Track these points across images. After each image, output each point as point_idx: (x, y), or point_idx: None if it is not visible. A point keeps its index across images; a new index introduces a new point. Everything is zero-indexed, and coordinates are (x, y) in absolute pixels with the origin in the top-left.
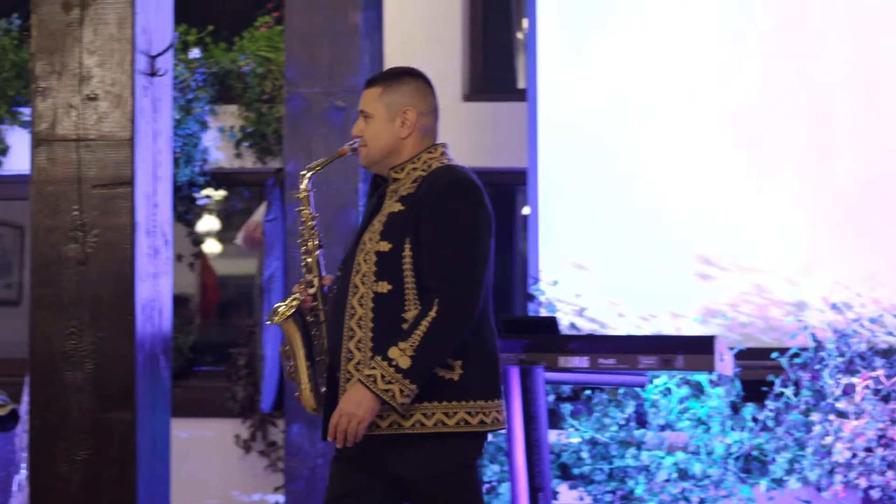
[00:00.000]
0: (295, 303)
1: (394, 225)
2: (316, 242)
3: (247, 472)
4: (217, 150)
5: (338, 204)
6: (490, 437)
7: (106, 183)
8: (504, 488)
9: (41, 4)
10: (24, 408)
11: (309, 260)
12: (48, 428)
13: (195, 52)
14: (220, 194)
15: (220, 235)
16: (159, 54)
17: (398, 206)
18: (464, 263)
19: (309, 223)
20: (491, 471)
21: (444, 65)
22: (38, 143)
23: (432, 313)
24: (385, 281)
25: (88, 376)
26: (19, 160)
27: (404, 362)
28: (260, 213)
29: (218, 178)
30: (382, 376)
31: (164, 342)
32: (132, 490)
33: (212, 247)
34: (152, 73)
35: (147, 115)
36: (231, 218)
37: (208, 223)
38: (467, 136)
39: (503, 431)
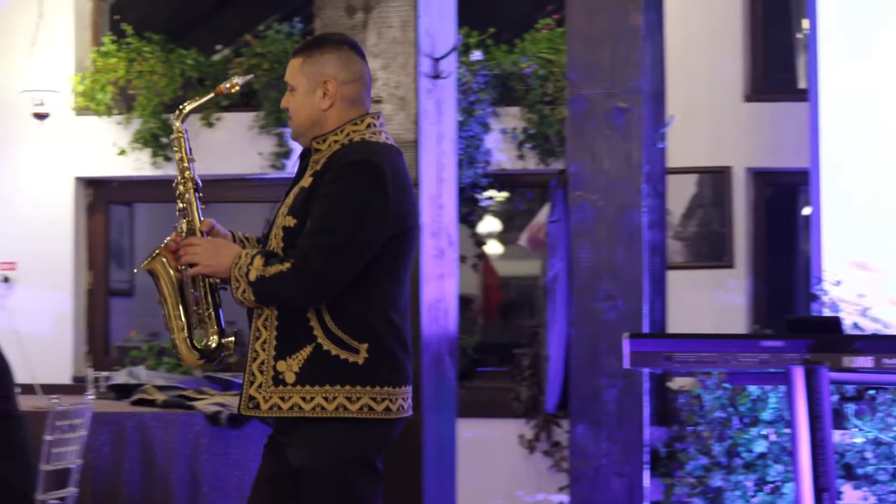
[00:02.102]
0: (158, 249)
1: (301, 200)
2: (189, 185)
3: (531, 472)
4: (500, 151)
5: (620, 204)
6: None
7: None
8: (788, 488)
9: (325, 8)
10: None
11: (181, 205)
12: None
13: (477, 55)
14: (502, 196)
15: (502, 237)
16: (442, 57)
17: (308, 181)
18: (330, 242)
19: (183, 166)
20: (775, 470)
21: (725, 65)
22: None
23: (285, 267)
24: None
25: None
26: None
27: (252, 276)
28: (543, 215)
29: (500, 179)
30: (240, 267)
31: (449, 343)
32: (419, 489)
33: (494, 248)
34: (436, 76)
35: (431, 117)
36: (513, 219)
37: (490, 224)
38: (748, 136)
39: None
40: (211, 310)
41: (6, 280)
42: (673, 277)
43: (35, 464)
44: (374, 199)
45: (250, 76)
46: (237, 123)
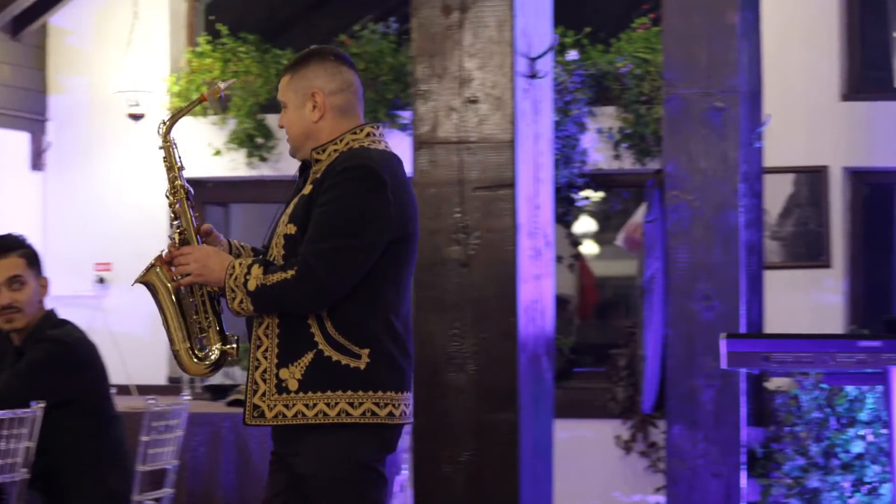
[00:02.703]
0: (153, 261)
1: (301, 208)
2: (181, 195)
3: (627, 472)
4: (596, 151)
5: (717, 204)
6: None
7: (488, 185)
8: (885, 489)
9: (421, 8)
10: None
11: (177, 207)
12: (432, 429)
13: (573, 54)
14: (598, 196)
15: (598, 237)
16: (539, 56)
17: (309, 189)
18: (331, 247)
19: (172, 175)
20: (872, 471)
21: (821, 65)
22: (419, 145)
23: (288, 274)
24: None
25: (471, 377)
26: None
27: (251, 285)
28: (640, 215)
29: (597, 179)
30: (236, 278)
31: (546, 343)
32: (515, 491)
33: (590, 248)
34: (532, 76)
35: (527, 117)
36: (609, 219)
37: (586, 224)
38: (844, 135)
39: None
40: (211, 318)
41: (102, 281)
42: (770, 277)
43: (131, 464)
44: (373, 203)
45: (232, 80)
46: None
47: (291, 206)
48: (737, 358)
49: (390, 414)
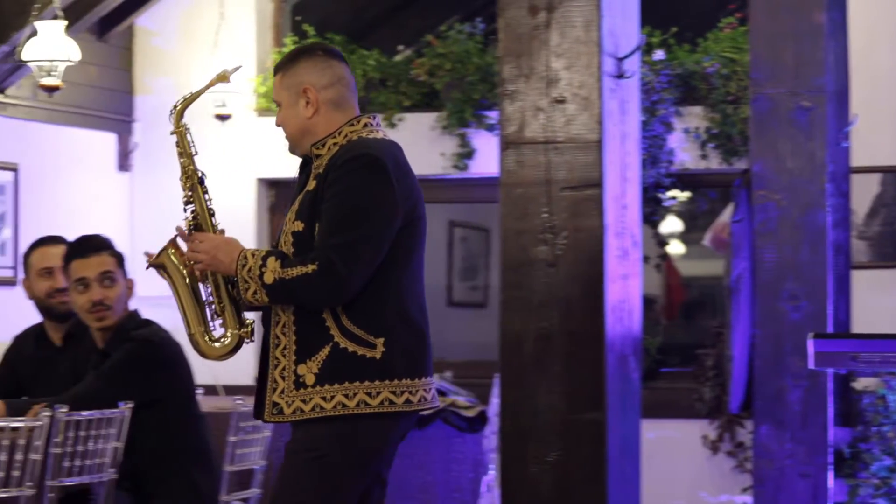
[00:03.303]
0: (165, 245)
1: (307, 203)
2: (194, 180)
3: (714, 473)
4: (682, 151)
5: (804, 204)
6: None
7: (575, 185)
8: None
9: (507, 8)
10: (492, 409)
11: (190, 192)
12: (519, 429)
13: (659, 54)
14: (685, 195)
15: (684, 236)
16: (626, 56)
17: (313, 184)
18: (346, 241)
19: (184, 161)
20: None
21: None
22: (506, 146)
23: (308, 269)
24: None
25: (559, 377)
26: (485, 163)
27: (268, 278)
28: (727, 215)
29: (683, 179)
30: (249, 269)
31: (633, 343)
32: (602, 491)
33: (676, 248)
34: (619, 76)
35: (615, 117)
36: (695, 219)
37: (672, 224)
38: None
39: None
40: (226, 302)
41: None
42: (857, 277)
43: (218, 465)
44: (379, 190)
45: (239, 66)
46: (419, 124)
47: (297, 203)
48: (824, 358)
49: (407, 401)
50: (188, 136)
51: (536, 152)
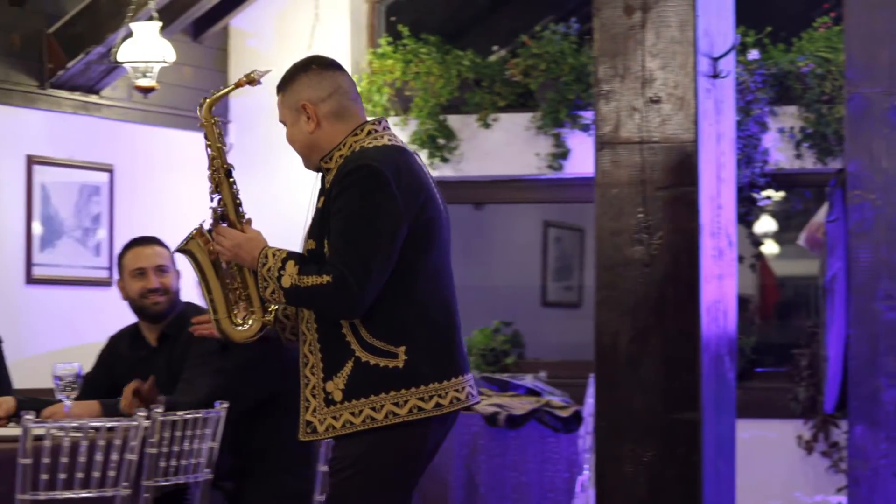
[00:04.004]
0: (192, 232)
1: (317, 221)
2: (221, 172)
3: (808, 473)
4: (777, 151)
5: None
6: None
7: (670, 185)
8: None
9: (603, 8)
10: (587, 409)
11: (216, 184)
12: (614, 429)
13: (754, 54)
14: (779, 195)
15: (779, 236)
16: (721, 56)
17: (321, 201)
18: (355, 255)
19: (211, 154)
20: None
21: None
22: (601, 146)
23: (323, 279)
24: None
25: (654, 377)
26: (579, 163)
27: (286, 282)
28: (822, 214)
29: (778, 179)
30: (269, 268)
31: (728, 343)
32: (698, 492)
33: (771, 248)
34: (714, 75)
35: (710, 117)
36: (790, 219)
37: (766, 224)
38: None
39: None
40: (251, 288)
41: None
42: None
43: (314, 464)
44: (379, 200)
45: (269, 70)
46: (513, 124)
47: (310, 219)
48: None
49: (437, 405)
50: (216, 128)
51: (631, 152)
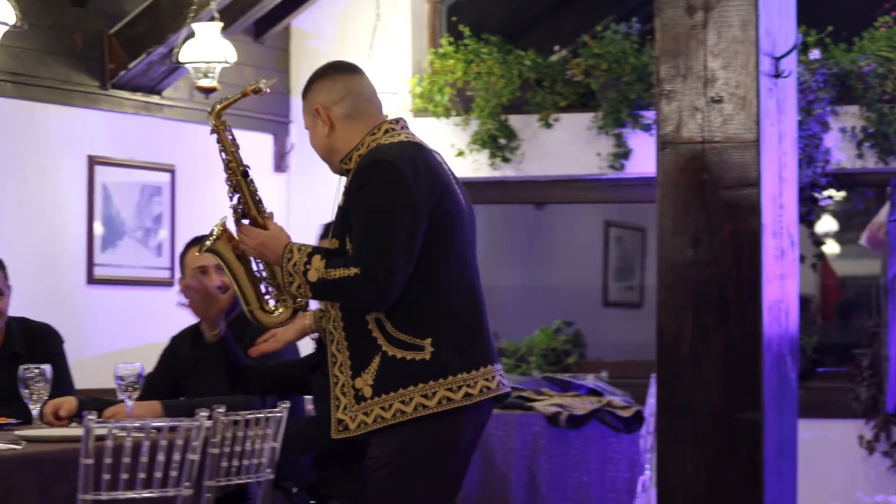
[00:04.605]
0: (217, 231)
1: (338, 220)
2: (238, 174)
3: (870, 473)
4: (838, 150)
5: None
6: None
7: (731, 185)
8: None
9: (664, 8)
10: (648, 409)
11: (234, 185)
12: (676, 429)
13: (815, 53)
14: (841, 195)
15: (840, 236)
16: (783, 56)
17: (342, 200)
18: (377, 249)
19: (225, 158)
20: None
21: None
22: (663, 145)
23: (350, 272)
24: None
25: (716, 377)
26: (640, 163)
27: (312, 276)
28: (883, 214)
29: (839, 178)
30: (295, 264)
31: (790, 343)
32: (759, 491)
33: (832, 247)
34: (776, 75)
35: (772, 116)
36: (851, 219)
37: (827, 224)
38: None
39: None
40: (279, 278)
41: None
42: None
43: None
44: (396, 194)
45: (273, 80)
46: (575, 124)
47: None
48: None
49: (467, 395)
50: (227, 133)
51: (693, 152)
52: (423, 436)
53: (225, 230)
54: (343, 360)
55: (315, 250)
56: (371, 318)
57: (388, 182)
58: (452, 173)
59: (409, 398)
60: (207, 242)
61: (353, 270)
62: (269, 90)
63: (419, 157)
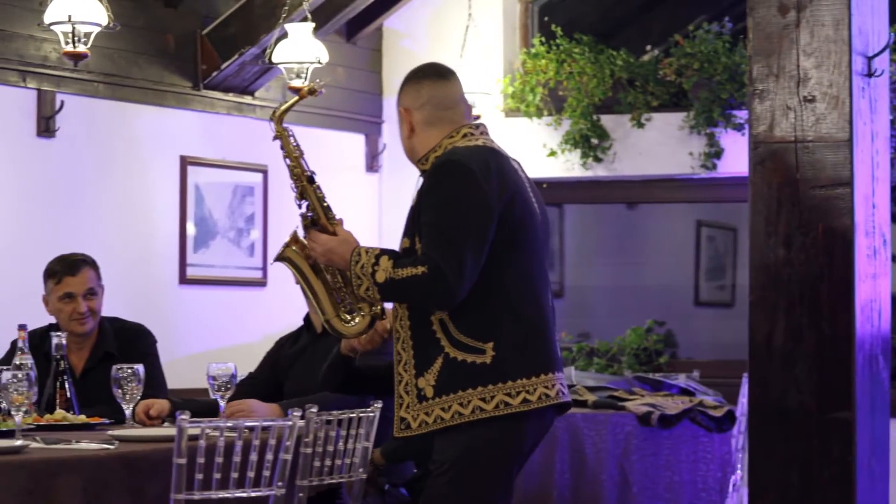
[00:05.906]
0: (287, 241)
1: (410, 220)
2: (304, 180)
3: None
4: None
5: None
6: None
7: (824, 184)
8: None
9: (757, 8)
10: (740, 409)
11: (301, 191)
12: (767, 429)
13: None
14: None
15: None
16: (876, 55)
17: (415, 200)
18: (447, 248)
19: (290, 164)
20: None
21: None
22: (756, 145)
23: (418, 270)
24: None
25: (808, 377)
26: (733, 162)
27: (380, 277)
28: None
29: None
30: (363, 266)
31: (882, 343)
32: (851, 491)
33: None
34: (869, 74)
35: (864, 115)
36: None
37: None
38: None
39: None
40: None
41: None
42: None
43: None
44: (467, 194)
45: (326, 82)
46: (667, 124)
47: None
48: None
49: (525, 401)
50: (291, 138)
51: (786, 151)
52: (487, 441)
53: (295, 239)
54: (407, 359)
55: (383, 251)
56: (435, 319)
57: (458, 182)
58: (528, 179)
59: (468, 400)
60: (278, 252)
61: (421, 269)
62: (323, 91)
63: (493, 161)
